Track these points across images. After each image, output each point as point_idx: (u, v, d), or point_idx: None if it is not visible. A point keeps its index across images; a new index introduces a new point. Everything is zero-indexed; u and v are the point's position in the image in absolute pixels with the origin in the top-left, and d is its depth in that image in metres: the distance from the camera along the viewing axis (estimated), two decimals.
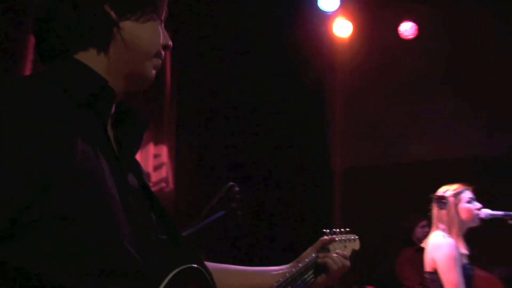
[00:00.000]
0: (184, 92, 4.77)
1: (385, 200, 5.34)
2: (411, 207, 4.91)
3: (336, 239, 1.70)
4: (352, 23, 5.46)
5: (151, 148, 4.09)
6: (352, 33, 5.48)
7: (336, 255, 1.59)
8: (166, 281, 1.04)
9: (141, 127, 1.19)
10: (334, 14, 5.35)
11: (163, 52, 1.20)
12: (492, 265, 5.37)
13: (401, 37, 5.57)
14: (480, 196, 3.30)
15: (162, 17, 1.20)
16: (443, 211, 3.25)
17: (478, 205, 3.23)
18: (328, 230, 1.72)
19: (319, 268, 1.57)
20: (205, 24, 4.86)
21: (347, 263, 1.60)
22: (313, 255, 1.60)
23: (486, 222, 3.22)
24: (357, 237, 1.82)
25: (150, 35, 1.15)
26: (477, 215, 3.20)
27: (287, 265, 1.57)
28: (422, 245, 3.38)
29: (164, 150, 4.23)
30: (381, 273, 5.50)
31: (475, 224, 3.24)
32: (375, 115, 5.79)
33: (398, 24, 5.54)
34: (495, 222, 3.20)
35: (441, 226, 3.27)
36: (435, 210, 3.33)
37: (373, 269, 5.52)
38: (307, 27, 5.27)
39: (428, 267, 3.27)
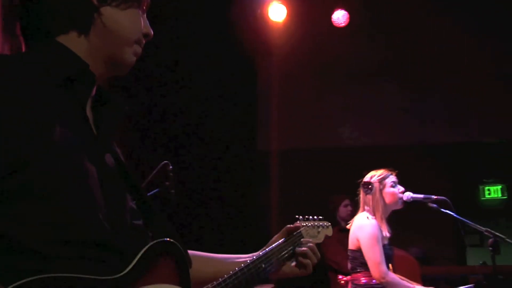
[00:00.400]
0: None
1: (315, 182, 5.51)
2: (338, 189, 5.10)
3: (309, 224, 1.74)
4: (287, 8, 5.54)
5: None
6: (286, 17, 5.57)
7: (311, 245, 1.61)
8: (140, 254, 1.07)
9: (119, 111, 1.23)
10: None
11: (143, 40, 1.24)
12: (409, 245, 5.73)
13: (334, 24, 5.72)
14: (405, 181, 3.50)
15: (144, 7, 1.24)
16: (369, 196, 3.43)
17: (401, 188, 3.42)
18: (301, 217, 1.76)
19: (293, 257, 1.58)
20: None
21: (318, 254, 1.62)
22: (281, 240, 1.60)
23: (409, 204, 3.42)
24: (330, 224, 1.85)
25: (129, 22, 1.19)
26: (400, 198, 3.40)
27: (255, 253, 1.57)
28: (348, 226, 3.55)
29: None
30: None
31: (398, 207, 3.44)
32: (307, 99, 5.93)
33: (331, 11, 5.68)
34: (417, 205, 3.41)
35: (367, 208, 3.45)
36: (362, 195, 3.50)
37: None
38: (243, 10, 5.29)
39: (352, 246, 3.45)
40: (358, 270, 3.40)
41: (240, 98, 5.68)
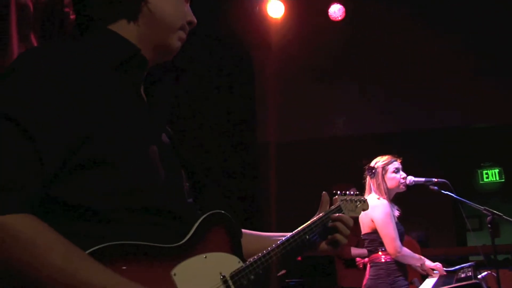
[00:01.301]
0: None
1: (316, 171, 5.67)
2: (339, 178, 5.26)
3: (347, 199, 1.78)
4: (284, 4, 5.69)
5: None
6: (284, 13, 5.72)
7: (343, 216, 1.61)
8: (197, 223, 1.20)
9: (167, 93, 1.33)
10: None
11: (187, 27, 1.33)
12: (411, 229, 5.90)
13: (331, 18, 5.87)
14: (407, 167, 3.67)
15: None
16: (373, 180, 3.60)
17: (403, 174, 3.59)
18: (339, 191, 1.79)
19: (326, 231, 1.59)
20: None
21: (351, 221, 1.63)
22: (321, 213, 1.62)
23: (410, 190, 3.59)
24: (366, 199, 1.90)
25: (173, 9, 1.28)
26: (402, 183, 3.56)
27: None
28: None
29: None
30: None
31: (401, 190, 3.60)
32: (304, 92, 6.08)
33: (327, 6, 5.83)
34: (418, 190, 3.58)
35: (374, 189, 3.62)
36: (367, 179, 3.67)
37: None
38: (242, 8, 5.44)
39: (367, 229, 3.61)
40: (379, 249, 3.53)
41: (239, 92, 5.82)
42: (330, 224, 1.59)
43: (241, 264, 1.26)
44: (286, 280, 5.44)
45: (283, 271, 3.85)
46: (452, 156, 6.66)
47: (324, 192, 1.70)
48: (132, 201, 1.09)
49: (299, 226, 1.55)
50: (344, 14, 5.87)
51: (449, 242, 6.93)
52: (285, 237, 1.47)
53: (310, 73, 6.11)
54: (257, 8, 5.68)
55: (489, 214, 3.15)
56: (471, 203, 3.26)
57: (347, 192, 1.82)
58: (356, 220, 3.62)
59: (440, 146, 6.46)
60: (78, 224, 1.05)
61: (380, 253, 3.53)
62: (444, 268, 3.55)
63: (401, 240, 3.54)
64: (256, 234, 1.54)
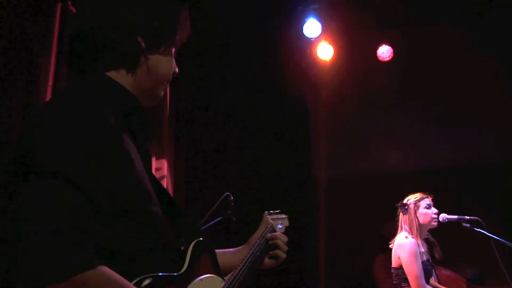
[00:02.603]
0: (181, 110, 5.25)
1: (364, 209, 5.81)
2: (387, 215, 5.39)
3: (274, 217, 2.07)
4: (333, 47, 6.00)
5: (153, 163, 4.54)
6: (333, 55, 6.02)
7: (280, 234, 1.89)
8: (189, 252, 1.42)
9: (151, 127, 1.47)
10: (318, 39, 5.88)
11: (171, 78, 1.49)
12: (465, 266, 5.86)
13: (379, 59, 6.11)
14: (439, 204, 3.82)
15: (174, 51, 1.49)
16: (406, 216, 3.77)
17: (435, 210, 3.76)
18: (267, 212, 2.08)
19: (269, 248, 1.86)
20: (201, 49, 5.33)
21: (285, 240, 1.90)
22: (262, 233, 1.89)
23: (444, 225, 3.73)
24: (287, 216, 2.17)
25: (167, 66, 1.45)
26: (434, 219, 3.72)
27: (240, 247, 1.89)
28: (390, 246, 3.88)
29: (164, 164, 4.69)
30: (362, 277, 5.97)
31: (432, 226, 3.76)
32: (354, 130, 6.30)
33: (375, 47, 6.09)
34: (453, 225, 3.70)
35: (405, 227, 3.78)
36: (400, 216, 3.84)
37: (355, 273, 6.00)
38: (293, 52, 5.79)
39: (394, 264, 3.78)
40: (402, 285, 3.70)
41: (296, 134, 6.12)
42: (270, 242, 1.86)
43: (223, 283, 1.53)
44: None
45: None
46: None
47: (265, 211, 2.03)
48: (148, 242, 1.29)
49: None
50: (392, 55, 6.10)
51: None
52: (246, 255, 1.74)
53: (359, 110, 6.33)
54: (308, 51, 6.02)
55: None
56: (504, 240, 3.35)
57: (271, 212, 2.11)
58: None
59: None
60: (109, 262, 1.17)
61: None
62: None
63: (428, 277, 3.68)
64: (224, 252, 1.82)
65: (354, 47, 6.09)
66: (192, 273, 1.41)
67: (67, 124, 1.16)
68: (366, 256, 5.92)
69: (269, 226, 1.96)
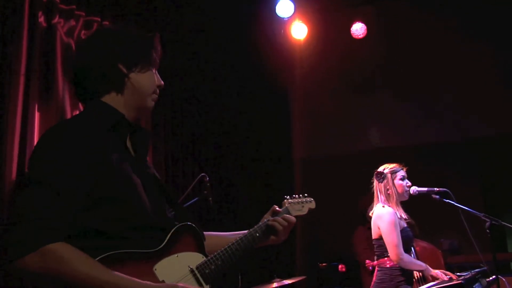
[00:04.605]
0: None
1: (341, 185, 5.89)
2: (363, 190, 5.47)
3: (294, 201, 2.18)
4: (307, 26, 6.03)
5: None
6: (307, 34, 6.05)
7: (281, 218, 2.02)
8: (170, 233, 1.67)
9: (147, 137, 1.81)
10: (291, 18, 5.90)
11: (157, 89, 1.81)
12: (443, 237, 5.99)
13: (353, 37, 6.15)
14: (416, 179, 3.87)
15: (155, 67, 1.81)
16: (381, 184, 3.81)
17: (409, 183, 3.79)
18: (288, 196, 2.19)
19: (268, 229, 2.00)
20: (177, 35, 5.31)
21: (292, 219, 2.03)
22: (270, 218, 2.04)
23: (414, 197, 3.78)
24: (312, 199, 2.25)
25: (148, 81, 1.77)
26: (407, 191, 3.76)
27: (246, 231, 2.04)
28: (370, 214, 3.85)
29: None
30: (343, 252, 6.09)
31: (405, 198, 3.79)
32: (330, 108, 6.35)
33: (349, 25, 6.13)
34: (422, 197, 3.76)
35: (381, 197, 3.81)
36: (375, 184, 3.86)
37: (335, 249, 6.11)
38: (267, 33, 5.81)
39: (375, 235, 3.81)
40: (385, 255, 3.71)
41: (272, 113, 6.16)
42: (269, 223, 1.99)
43: (204, 258, 1.73)
44: None
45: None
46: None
47: (274, 205, 2.12)
48: (130, 223, 1.58)
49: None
50: (366, 32, 6.15)
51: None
52: (239, 236, 1.90)
53: (334, 89, 6.38)
54: (282, 31, 6.04)
55: (488, 220, 3.30)
56: (471, 210, 3.43)
57: (294, 196, 2.21)
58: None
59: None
60: (92, 240, 1.52)
61: (386, 258, 3.70)
62: (458, 273, 3.68)
63: (410, 244, 3.73)
64: (218, 234, 2.00)
65: (328, 26, 6.13)
66: (168, 250, 1.64)
67: (51, 145, 1.56)
68: (346, 232, 6.04)
69: (283, 209, 2.10)
